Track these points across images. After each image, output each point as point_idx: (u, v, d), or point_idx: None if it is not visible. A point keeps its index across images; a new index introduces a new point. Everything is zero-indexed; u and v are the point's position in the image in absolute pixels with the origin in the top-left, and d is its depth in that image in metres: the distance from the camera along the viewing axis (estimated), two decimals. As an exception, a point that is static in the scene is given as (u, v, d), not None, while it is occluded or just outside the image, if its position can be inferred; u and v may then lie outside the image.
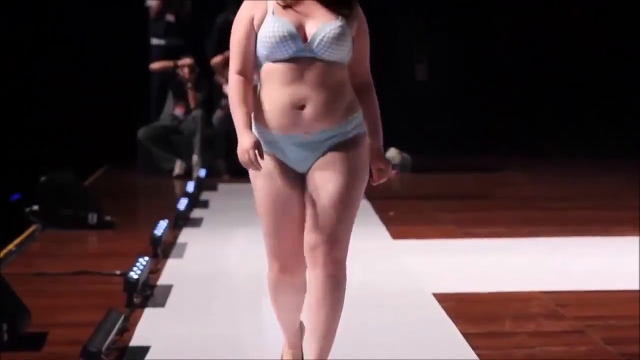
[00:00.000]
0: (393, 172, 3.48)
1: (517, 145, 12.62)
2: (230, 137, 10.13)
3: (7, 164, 9.41)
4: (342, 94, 3.72)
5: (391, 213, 8.14)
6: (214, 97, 11.11)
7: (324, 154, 3.72)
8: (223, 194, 9.46)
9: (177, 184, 10.05)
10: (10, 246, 6.78)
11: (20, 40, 11.71)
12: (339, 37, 3.66)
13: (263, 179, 3.77)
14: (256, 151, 3.62)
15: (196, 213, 8.22)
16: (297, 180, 3.75)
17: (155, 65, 11.10)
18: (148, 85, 11.39)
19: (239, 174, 10.32)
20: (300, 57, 3.67)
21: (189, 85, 10.85)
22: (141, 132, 10.71)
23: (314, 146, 3.71)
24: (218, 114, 10.76)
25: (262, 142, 3.68)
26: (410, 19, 13.56)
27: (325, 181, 3.70)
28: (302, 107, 3.66)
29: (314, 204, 3.72)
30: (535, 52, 13.54)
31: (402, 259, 6.43)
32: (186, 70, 10.83)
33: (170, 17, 11.34)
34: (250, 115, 3.73)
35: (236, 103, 3.73)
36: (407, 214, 8.25)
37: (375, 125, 3.83)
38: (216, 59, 10.76)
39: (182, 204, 7.87)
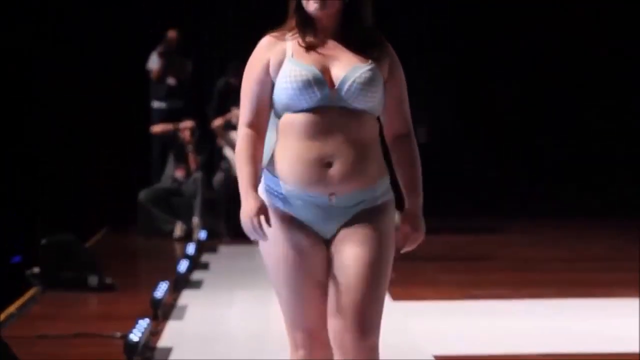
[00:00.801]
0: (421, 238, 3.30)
1: (516, 206, 12.63)
2: (230, 199, 10.22)
3: (7, 226, 9.41)
4: (373, 151, 3.29)
5: (392, 274, 8.13)
6: (215, 159, 11.14)
7: (349, 222, 3.28)
8: (223, 256, 9.46)
9: (177, 246, 10.05)
10: (11, 308, 6.77)
11: (18, 102, 11.74)
12: (370, 83, 3.22)
13: (277, 243, 3.28)
14: (262, 217, 3.19)
15: (196, 275, 8.22)
16: (319, 242, 3.30)
17: (157, 129, 11.16)
18: (149, 147, 11.44)
19: (240, 235, 10.34)
20: (325, 107, 3.23)
21: (190, 148, 10.90)
22: (142, 194, 10.74)
23: (339, 211, 3.27)
24: (219, 176, 10.79)
25: (278, 197, 3.28)
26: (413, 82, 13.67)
27: (352, 257, 3.24)
28: (328, 165, 3.22)
29: (339, 281, 3.25)
30: (535, 115, 13.59)
31: (403, 320, 6.42)
32: (187, 133, 10.88)
33: (170, 80, 11.41)
34: (258, 174, 3.28)
35: (242, 160, 3.27)
36: (407, 276, 8.23)
37: (414, 183, 3.35)
38: (217, 122, 10.82)
39: (183, 266, 7.87)
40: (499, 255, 9.55)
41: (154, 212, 10.66)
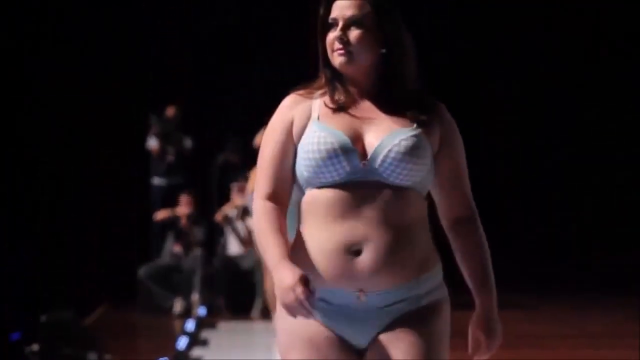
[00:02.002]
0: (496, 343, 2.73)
1: (510, 281, 12.55)
2: (229, 275, 10.25)
3: (7, 302, 9.42)
4: (418, 237, 2.70)
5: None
6: (214, 235, 11.18)
7: (389, 327, 2.69)
8: (223, 333, 9.45)
9: (177, 322, 10.05)
10: (11, 386, 6.76)
11: (13, 172, 11.80)
12: (412, 152, 2.66)
13: (301, 349, 2.70)
14: (306, 288, 2.56)
15: (196, 352, 8.20)
16: (350, 355, 2.71)
17: (159, 216, 11.14)
18: (148, 223, 11.49)
19: (239, 312, 10.37)
20: (356, 181, 2.66)
21: (188, 229, 10.93)
22: (142, 271, 10.76)
23: (372, 313, 2.68)
24: (218, 252, 10.83)
25: None
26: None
27: None
28: (356, 254, 2.64)
29: None
30: (530, 189, 13.60)
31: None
32: (184, 221, 10.87)
33: (170, 157, 11.49)
34: (287, 244, 2.68)
35: (267, 232, 2.68)
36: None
37: (484, 276, 2.78)
38: (218, 216, 10.76)
39: (182, 342, 7.87)
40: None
41: (154, 289, 10.68)
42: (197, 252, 10.79)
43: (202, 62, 12.73)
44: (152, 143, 11.47)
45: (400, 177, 2.67)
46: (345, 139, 2.68)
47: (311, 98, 2.79)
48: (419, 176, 2.70)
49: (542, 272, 12.98)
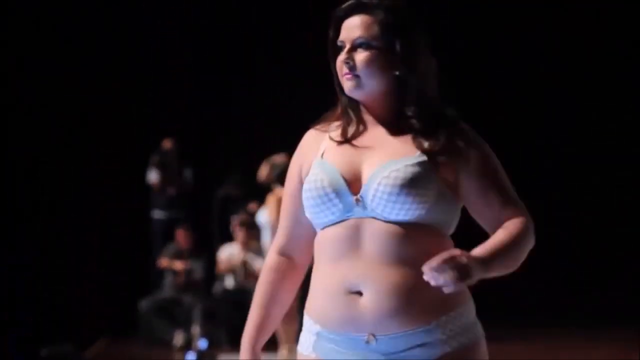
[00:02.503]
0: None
1: (508, 311, 12.42)
2: (230, 308, 10.24)
3: (7, 336, 9.41)
4: (422, 274, 2.39)
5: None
6: (214, 269, 11.17)
7: None
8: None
9: (178, 355, 10.03)
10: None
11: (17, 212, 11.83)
12: (406, 184, 2.43)
13: None
14: None
15: (197, 385, 8.21)
16: None
17: (163, 264, 11.07)
18: (149, 256, 11.50)
19: (240, 345, 10.33)
20: (355, 219, 2.50)
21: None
22: (143, 304, 10.76)
23: (390, 358, 2.47)
24: (218, 285, 10.82)
25: (310, 342, 2.56)
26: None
27: None
28: (358, 295, 2.47)
29: None
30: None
31: None
32: (181, 278, 10.82)
33: (171, 191, 11.50)
34: (264, 322, 2.64)
35: (254, 303, 2.66)
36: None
37: (493, 242, 2.46)
38: (222, 266, 10.72)
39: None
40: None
41: (154, 321, 10.67)
42: (197, 285, 10.78)
43: (203, 93, 12.76)
44: (152, 176, 11.50)
45: (395, 212, 2.46)
46: (337, 176, 2.51)
47: (327, 131, 2.64)
48: (420, 209, 2.45)
49: (541, 302, 12.92)
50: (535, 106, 13.04)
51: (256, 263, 10.32)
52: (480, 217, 2.55)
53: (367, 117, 2.60)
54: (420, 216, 2.46)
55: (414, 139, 2.52)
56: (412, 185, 2.45)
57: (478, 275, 2.38)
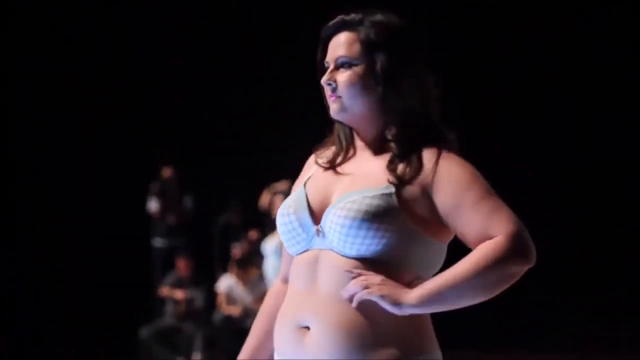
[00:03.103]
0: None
1: (498, 337, 12.31)
2: (231, 334, 10.26)
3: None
4: (377, 314, 2.26)
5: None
6: (214, 297, 11.20)
7: None
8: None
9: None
10: None
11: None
12: (359, 217, 2.25)
13: None
14: None
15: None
16: None
17: (164, 292, 11.10)
18: (149, 284, 11.52)
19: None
20: (318, 250, 2.35)
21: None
22: (143, 331, 10.80)
23: None
24: (218, 314, 10.86)
25: None
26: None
27: None
28: (306, 329, 2.33)
29: None
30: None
31: None
32: (182, 307, 10.87)
33: (171, 219, 11.53)
34: (261, 344, 2.57)
35: (254, 323, 2.62)
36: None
37: (446, 273, 2.25)
38: (229, 310, 10.75)
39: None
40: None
41: (155, 349, 10.70)
42: (198, 313, 10.82)
43: (203, 119, 12.80)
44: (152, 204, 11.53)
45: (349, 246, 2.28)
46: (303, 205, 2.37)
47: (319, 156, 2.51)
48: (375, 245, 2.26)
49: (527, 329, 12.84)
50: (534, 106, 13.02)
51: (250, 295, 10.37)
52: (465, 238, 2.31)
53: (357, 142, 2.44)
54: (377, 252, 2.26)
55: (388, 166, 2.33)
56: (366, 218, 2.25)
57: (410, 307, 2.23)
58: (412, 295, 2.22)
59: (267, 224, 8.95)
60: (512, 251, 2.22)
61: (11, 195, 11.60)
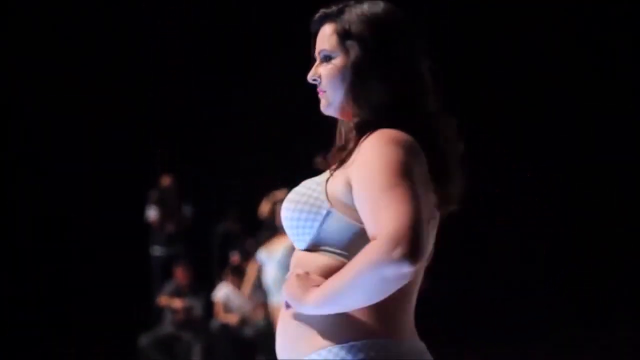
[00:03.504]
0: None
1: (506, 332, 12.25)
2: (229, 343, 10.26)
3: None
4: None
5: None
6: (213, 305, 11.20)
7: None
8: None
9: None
10: None
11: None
12: (290, 207, 2.26)
13: None
14: None
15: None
16: None
17: (163, 302, 11.08)
18: (148, 293, 11.52)
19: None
20: None
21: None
22: (143, 339, 10.80)
23: None
24: (216, 322, 10.86)
25: None
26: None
27: None
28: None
29: None
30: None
31: None
32: (180, 316, 10.86)
33: (170, 228, 11.53)
34: None
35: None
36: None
37: (336, 275, 2.16)
38: (232, 320, 10.73)
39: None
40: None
41: (154, 356, 10.70)
42: (197, 322, 10.82)
43: (202, 120, 12.80)
44: (151, 213, 11.54)
45: (293, 238, 2.29)
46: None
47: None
48: (308, 234, 2.25)
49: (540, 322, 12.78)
50: (534, 106, 13.02)
51: (248, 304, 10.38)
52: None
53: (350, 136, 2.36)
54: (312, 242, 2.26)
55: (333, 154, 2.33)
56: (299, 207, 2.24)
57: (310, 307, 2.20)
58: (311, 295, 2.18)
59: (263, 232, 8.96)
60: (385, 254, 2.07)
61: (11, 198, 11.61)
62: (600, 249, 12.83)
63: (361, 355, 2.17)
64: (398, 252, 2.07)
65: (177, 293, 10.93)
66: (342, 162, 2.26)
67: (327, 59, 2.34)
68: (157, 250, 11.59)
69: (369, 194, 2.14)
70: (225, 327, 10.65)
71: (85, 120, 12.19)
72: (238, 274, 10.56)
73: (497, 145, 12.10)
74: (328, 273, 2.18)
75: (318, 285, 2.17)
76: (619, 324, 11.71)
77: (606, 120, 12.91)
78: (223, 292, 10.71)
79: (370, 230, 2.14)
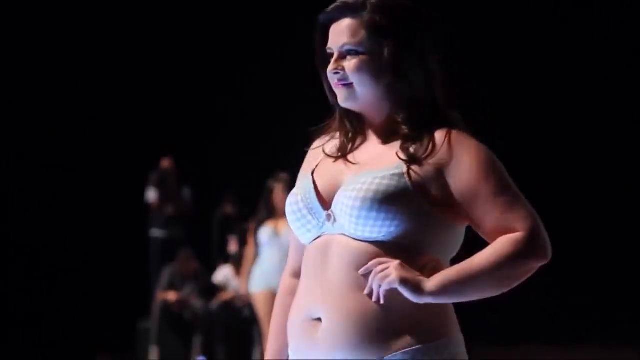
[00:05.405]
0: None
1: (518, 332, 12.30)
2: (229, 324, 10.26)
3: (6, 353, 9.44)
4: (397, 303, 2.20)
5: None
6: (212, 287, 11.18)
7: None
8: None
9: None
10: None
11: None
12: (371, 198, 2.19)
13: None
14: None
15: (196, 401, 8.22)
16: None
17: (161, 295, 11.03)
18: (148, 275, 11.51)
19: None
20: (328, 236, 2.29)
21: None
22: (142, 322, 10.81)
23: None
24: (216, 301, 10.84)
25: None
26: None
27: None
28: (319, 320, 2.26)
29: None
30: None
31: None
32: (176, 307, 10.83)
33: (169, 210, 11.51)
34: (283, 350, 2.44)
35: (271, 328, 2.49)
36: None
37: (467, 264, 2.22)
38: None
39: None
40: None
41: (154, 339, 10.69)
42: (196, 303, 10.81)
43: (200, 110, 12.78)
44: (151, 195, 11.52)
45: (361, 229, 2.22)
46: (310, 190, 2.32)
47: (325, 143, 2.44)
48: (389, 226, 2.21)
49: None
50: (535, 105, 13.00)
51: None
52: (479, 229, 2.27)
53: (365, 127, 2.38)
54: (392, 234, 2.21)
55: (401, 147, 2.28)
56: (379, 200, 2.20)
57: (428, 296, 2.18)
58: (432, 283, 2.19)
59: (262, 212, 8.91)
60: (532, 248, 2.22)
61: (9, 176, 11.59)
62: (601, 249, 12.86)
63: (445, 355, 2.20)
64: (543, 247, 2.23)
65: (177, 278, 10.89)
66: (413, 157, 2.25)
67: (352, 53, 2.32)
68: (156, 232, 11.57)
69: (494, 192, 2.22)
70: (224, 306, 10.61)
71: (85, 99, 12.16)
72: (236, 261, 10.56)
73: (497, 145, 11.96)
74: (408, 265, 2.19)
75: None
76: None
77: (606, 120, 12.91)
78: (223, 274, 10.70)
79: (498, 225, 2.21)
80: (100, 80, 12.22)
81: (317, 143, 2.46)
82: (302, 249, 2.38)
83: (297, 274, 2.42)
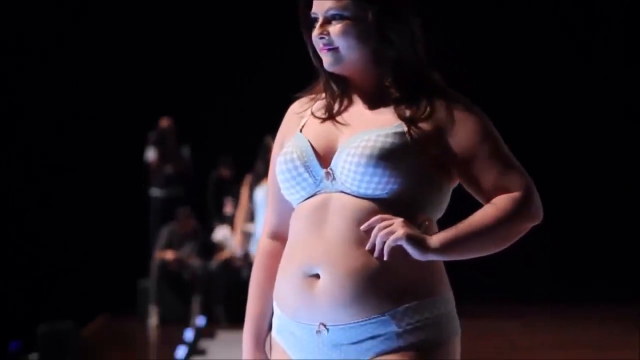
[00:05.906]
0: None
1: (508, 290, 12.41)
2: (229, 284, 10.27)
3: (6, 312, 9.45)
4: (398, 259, 2.23)
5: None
6: (210, 247, 11.19)
7: None
8: (221, 342, 9.47)
9: (176, 332, 10.05)
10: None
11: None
12: (377, 155, 2.22)
13: None
14: None
15: (194, 362, 8.24)
16: None
17: (159, 255, 10.99)
18: (147, 235, 11.51)
19: (238, 321, 10.35)
20: (324, 194, 2.29)
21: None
22: (142, 281, 10.83)
23: (341, 350, 2.25)
24: (215, 260, 10.84)
25: (275, 324, 2.39)
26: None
27: None
28: (315, 278, 2.26)
29: None
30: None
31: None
32: (174, 265, 10.78)
33: (169, 169, 11.49)
34: (265, 312, 2.44)
35: (250, 293, 2.47)
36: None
37: (468, 221, 2.26)
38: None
39: (181, 352, 7.91)
40: (488, 341, 9.45)
41: (154, 298, 10.71)
42: (196, 262, 10.81)
43: (198, 71, 12.75)
44: (150, 154, 11.50)
45: (364, 186, 2.25)
46: (307, 148, 2.33)
47: (310, 104, 2.45)
48: (392, 183, 2.24)
49: (538, 282, 12.93)
50: (534, 106, 13.03)
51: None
52: (474, 189, 2.31)
53: (351, 90, 2.39)
54: (393, 191, 2.24)
55: (396, 108, 2.30)
56: (382, 156, 2.23)
57: (432, 252, 2.22)
58: (436, 239, 2.23)
59: (261, 170, 8.89)
60: (528, 207, 2.29)
61: (10, 141, 11.58)
62: (602, 249, 12.93)
63: (441, 310, 2.27)
64: (537, 207, 2.31)
65: (170, 244, 10.87)
66: (412, 118, 2.29)
67: (337, 17, 2.34)
68: (155, 192, 11.56)
69: (491, 152, 2.28)
70: (223, 264, 10.61)
71: (85, 59, 12.13)
72: (232, 221, 10.55)
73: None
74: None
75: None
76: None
77: (606, 120, 12.92)
78: (221, 234, 10.69)
79: (495, 185, 2.27)
80: (100, 40, 12.18)
81: (297, 107, 2.46)
82: (282, 210, 2.40)
83: (276, 236, 2.44)
